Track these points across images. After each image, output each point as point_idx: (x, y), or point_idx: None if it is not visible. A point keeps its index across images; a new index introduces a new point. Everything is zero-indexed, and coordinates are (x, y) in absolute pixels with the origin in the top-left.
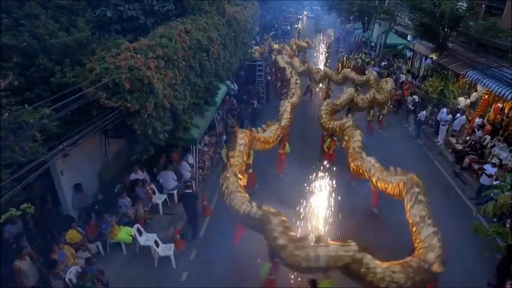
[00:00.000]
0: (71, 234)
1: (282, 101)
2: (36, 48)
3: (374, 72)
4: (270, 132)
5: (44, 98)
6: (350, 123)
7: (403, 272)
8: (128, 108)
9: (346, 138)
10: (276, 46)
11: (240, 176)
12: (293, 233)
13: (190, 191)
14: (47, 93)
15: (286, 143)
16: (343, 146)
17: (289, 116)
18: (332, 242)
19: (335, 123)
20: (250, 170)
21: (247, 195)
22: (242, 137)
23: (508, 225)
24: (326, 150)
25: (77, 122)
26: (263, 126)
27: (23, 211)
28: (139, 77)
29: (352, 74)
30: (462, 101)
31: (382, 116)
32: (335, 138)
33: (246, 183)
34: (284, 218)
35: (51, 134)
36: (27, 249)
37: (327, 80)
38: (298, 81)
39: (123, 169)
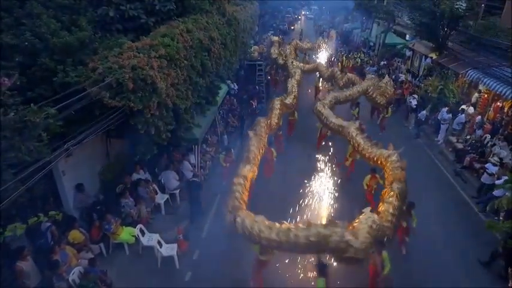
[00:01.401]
0: (73, 234)
1: (289, 79)
2: (37, 48)
3: (372, 76)
4: (290, 99)
5: (46, 98)
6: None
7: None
8: (131, 107)
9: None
10: (275, 38)
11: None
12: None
13: (197, 179)
14: (49, 93)
15: (295, 111)
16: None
17: (296, 89)
18: None
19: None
20: (280, 132)
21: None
22: (277, 103)
23: None
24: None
25: (80, 121)
26: (284, 95)
27: (52, 217)
28: (142, 76)
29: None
30: (465, 109)
31: (383, 118)
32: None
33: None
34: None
35: (55, 134)
36: (28, 250)
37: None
38: (295, 63)
39: (124, 169)
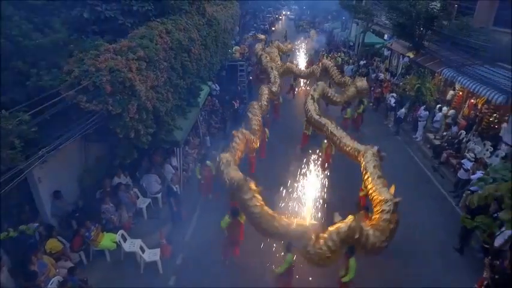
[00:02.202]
0: (51, 243)
1: (271, 71)
2: (9, 50)
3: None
4: (275, 88)
5: (19, 103)
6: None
7: None
8: (109, 111)
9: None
10: (262, 36)
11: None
12: None
13: (174, 187)
14: (22, 97)
15: (280, 97)
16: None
17: (279, 80)
18: None
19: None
20: (268, 115)
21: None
22: (265, 90)
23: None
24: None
25: (56, 126)
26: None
27: (22, 232)
28: (120, 79)
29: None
30: (444, 110)
31: (356, 115)
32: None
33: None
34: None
35: (29, 140)
36: (4, 260)
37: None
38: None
39: (104, 174)
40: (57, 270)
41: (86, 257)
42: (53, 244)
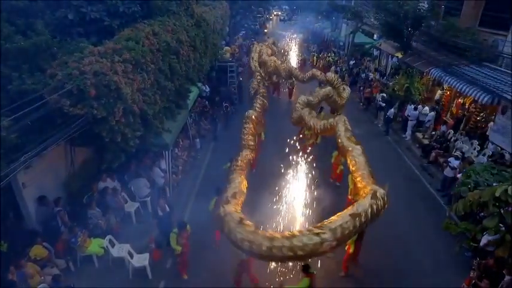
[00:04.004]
0: (35, 250)
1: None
2: None
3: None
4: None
5: (1, 107)
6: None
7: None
8: (94, 115)
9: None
10: (270, 40)
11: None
12: None
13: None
14: (4, 101)
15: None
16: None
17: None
18: None
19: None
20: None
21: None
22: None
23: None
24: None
25: (40, 131)
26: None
27: None
28: (105, 82)
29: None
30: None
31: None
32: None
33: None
34: None
35: (11, 146)
36: None
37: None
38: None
39: (91, 178)
40: (43, 278)
41: (73, 263)
42: (38, 250)
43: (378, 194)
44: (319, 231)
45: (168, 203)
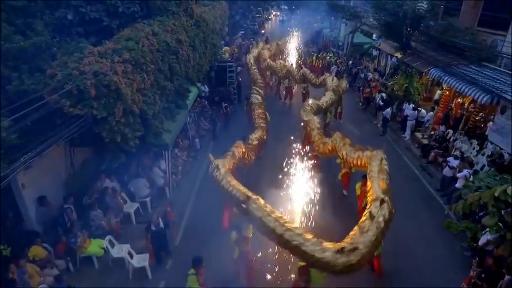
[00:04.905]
0: (34, 250)
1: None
2: None
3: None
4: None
5: (0, 107)
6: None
7: None
8: (94, 115)
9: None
10: (280, 42)
11: None
12: None
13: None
14: (3, 102)
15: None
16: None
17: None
18: None
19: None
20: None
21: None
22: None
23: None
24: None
25: (40, 131)
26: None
27: None
28: (105, 82)
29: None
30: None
31: (340, 109)
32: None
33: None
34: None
35: (11, 146)
36: None
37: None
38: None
39: (91, 179)
40: (42, 278)
41: (73, 263)
42: (37, 251)
43: None
44: None
45: (164, 217)
